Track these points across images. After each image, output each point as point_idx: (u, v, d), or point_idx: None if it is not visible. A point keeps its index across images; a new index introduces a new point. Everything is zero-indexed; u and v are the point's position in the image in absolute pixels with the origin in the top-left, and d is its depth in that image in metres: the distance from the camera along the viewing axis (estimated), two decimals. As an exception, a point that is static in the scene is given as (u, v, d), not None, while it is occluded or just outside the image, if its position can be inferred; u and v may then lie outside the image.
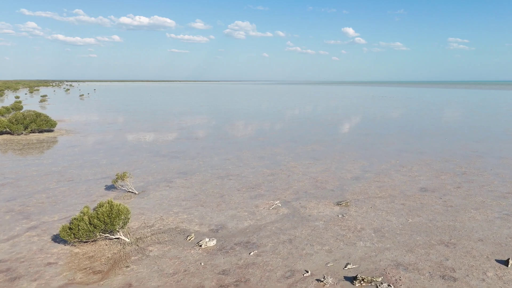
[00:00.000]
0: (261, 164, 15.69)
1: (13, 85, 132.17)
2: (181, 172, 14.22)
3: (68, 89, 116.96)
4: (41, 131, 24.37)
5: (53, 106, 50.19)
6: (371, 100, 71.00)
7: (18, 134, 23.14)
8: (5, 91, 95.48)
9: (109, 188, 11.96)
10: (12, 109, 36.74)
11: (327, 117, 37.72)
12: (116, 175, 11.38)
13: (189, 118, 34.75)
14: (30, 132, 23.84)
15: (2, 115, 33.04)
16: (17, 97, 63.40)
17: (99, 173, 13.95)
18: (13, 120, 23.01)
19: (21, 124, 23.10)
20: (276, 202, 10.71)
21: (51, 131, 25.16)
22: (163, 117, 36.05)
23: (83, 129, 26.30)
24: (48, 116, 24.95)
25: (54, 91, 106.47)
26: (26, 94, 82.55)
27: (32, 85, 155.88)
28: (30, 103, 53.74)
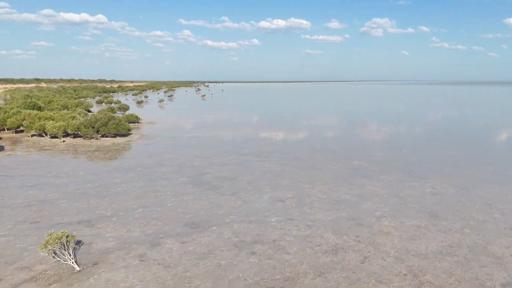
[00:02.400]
0: (330, 217, 9.39)
1: (157, 85, 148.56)
2: (193, 223, 9.05)
3: (199, 90, 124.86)
4: (115, 135, 22.47)
5: (168, 105, 51.24)
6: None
7: (89, 138, 21.57)
8: (146, 91, 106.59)
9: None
10: (119, 109, 37.52)
11: (472, 129, 27.67)
12: (48, 236, 6.86)
13: (286, 124, 29.47)
14: (103, 136, 22.10)
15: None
16: (146, 97, 68.36)
17: (85, 211, 9.85)
18: (85, 123, 21.50)
19: (92, 127, 21.44)
20: None
21: (127, 135, 23.12)
22: (259, 121, 31.66)
23: (160, 134, 23.64)
24: (123, 120, 22.97)
25: (186, 91, 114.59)
26: (158, 94, 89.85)
27: (174, 85, 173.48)
28: (151, 103, 56.38)
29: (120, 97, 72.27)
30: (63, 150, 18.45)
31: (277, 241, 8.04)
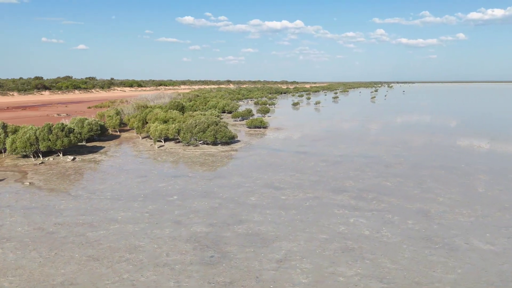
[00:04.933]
0: None
1: (334, 86, 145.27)
2: None
3: (377, 90, 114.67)
4: (215, 143, 19.64)
5: (324, 108, 46.73)
6: None
7: (187, 144, 19.40)
8: (319, 92, 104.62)
9: None
10: (259, 111, 35.36)
11: None
12: None
13: (451, 139, 20.57)
14: (204, 143, 19.58)
15: (242, 117, 31.83)
16: (308, 98, 65.63)
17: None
18: (185, 128, 19.42)
19: (191, 132, 19.15)
20: None
21: (232, 143, 20.01)
22: (419, 132, 23.44)
23: (269, 145, 19.58)
24: (225, 127, 19.87)
25: (360, 92, 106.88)
26: (325, 95, 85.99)
27: (354, 86, 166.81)
28: (309, 105, 53.10)
29: (287, 98, 72.05)
30: (145, 157, 16.58)
31: None
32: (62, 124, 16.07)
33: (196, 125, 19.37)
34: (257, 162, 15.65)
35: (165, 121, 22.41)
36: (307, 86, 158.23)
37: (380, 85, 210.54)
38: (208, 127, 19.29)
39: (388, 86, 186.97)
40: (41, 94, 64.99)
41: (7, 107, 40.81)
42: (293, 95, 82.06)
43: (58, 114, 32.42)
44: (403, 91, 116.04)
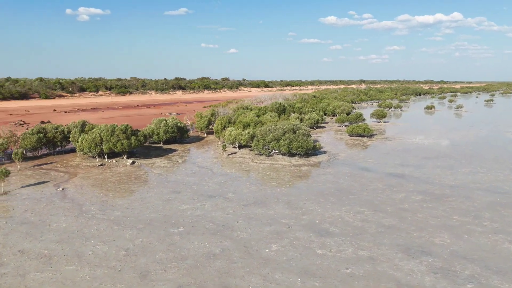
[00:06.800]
0: None
1: (493, 87, 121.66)
2: None
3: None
4: (291, 154, 16.51)
5: (468, 114, 38.03)
6: None
7: (259, 153, 16.82)
8: (471, 94, 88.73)
9: None
10: (373, 116, 30.22)
11: None
12: None
13: None
14: (280, 153, 16.70)
15: (350, 122, 27.73)
16: (450, 101, 55.15)
17: None
18: (258, 135, 16.87)
19: (263, 140, 16.52)
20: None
21: (315, 154, 16.60)
22: None
23: (358, 160, 15.51)
24: (305, 136, 16.49)
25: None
26: (477, 97, 71.36)
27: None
28: (448, 109, 44.26)
29: (426, 100, 62.51)
30: (203, 167, 14.66)
31: None
32: (126, 126, 15.43)
33: (270, 132, 16.62)
34: (326, 185, 12.00)
35: (248, 125, 20.31)
36: (458, 86, 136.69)
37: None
38: (283, 134, 16.32)
39: None
40: (175, 93, 71.91)
41: (137, 105, 45.51)
42: (432, 97, 70.90)
43: (169, 113, 33.93)
44: None
